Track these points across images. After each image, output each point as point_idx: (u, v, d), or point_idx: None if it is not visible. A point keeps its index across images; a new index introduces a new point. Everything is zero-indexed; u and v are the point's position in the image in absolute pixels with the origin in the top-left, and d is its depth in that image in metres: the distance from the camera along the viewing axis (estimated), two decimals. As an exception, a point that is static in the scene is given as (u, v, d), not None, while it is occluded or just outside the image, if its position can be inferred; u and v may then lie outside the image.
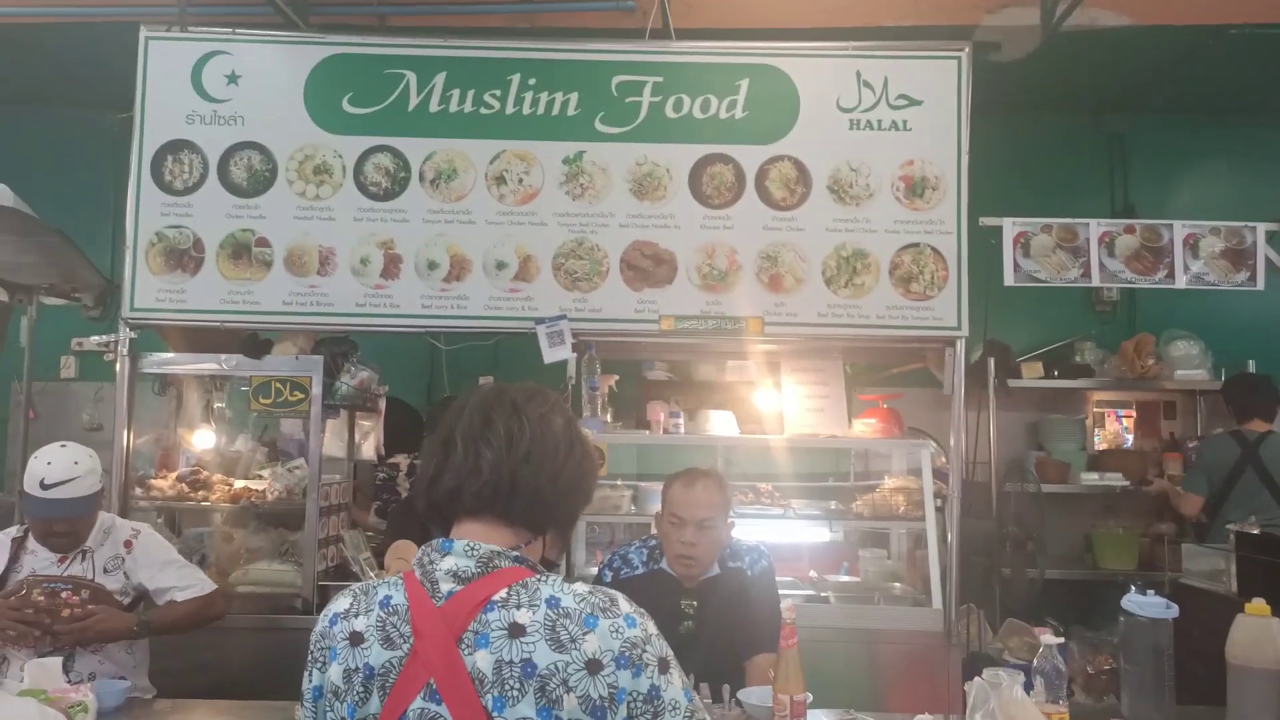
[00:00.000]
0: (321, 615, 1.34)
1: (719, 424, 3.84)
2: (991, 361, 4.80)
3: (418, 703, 1.21)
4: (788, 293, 3.55)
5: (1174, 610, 2.48)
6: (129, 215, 3.61)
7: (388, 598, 1.28)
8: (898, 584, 3.79)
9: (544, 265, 3.59)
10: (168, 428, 3.96)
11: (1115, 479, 5.01)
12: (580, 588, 1.26)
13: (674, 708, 1.22)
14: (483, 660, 1.20)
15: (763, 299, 3.55)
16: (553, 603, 1.23)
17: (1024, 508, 4.34)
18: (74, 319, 5.00)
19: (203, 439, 3.98)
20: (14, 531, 2.93)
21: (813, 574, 3.90)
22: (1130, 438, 5.41)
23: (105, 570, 2.88)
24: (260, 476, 3.79)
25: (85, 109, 5.03)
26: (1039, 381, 5.10)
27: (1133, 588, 2.54)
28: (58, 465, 2.73)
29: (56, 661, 2.43)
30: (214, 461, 3.94)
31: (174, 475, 3.72)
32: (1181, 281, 3.47)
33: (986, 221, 3.60)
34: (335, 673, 1.27)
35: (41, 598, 2.71)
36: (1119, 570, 4.91)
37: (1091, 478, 5.03)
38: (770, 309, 3.54)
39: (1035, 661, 2.28)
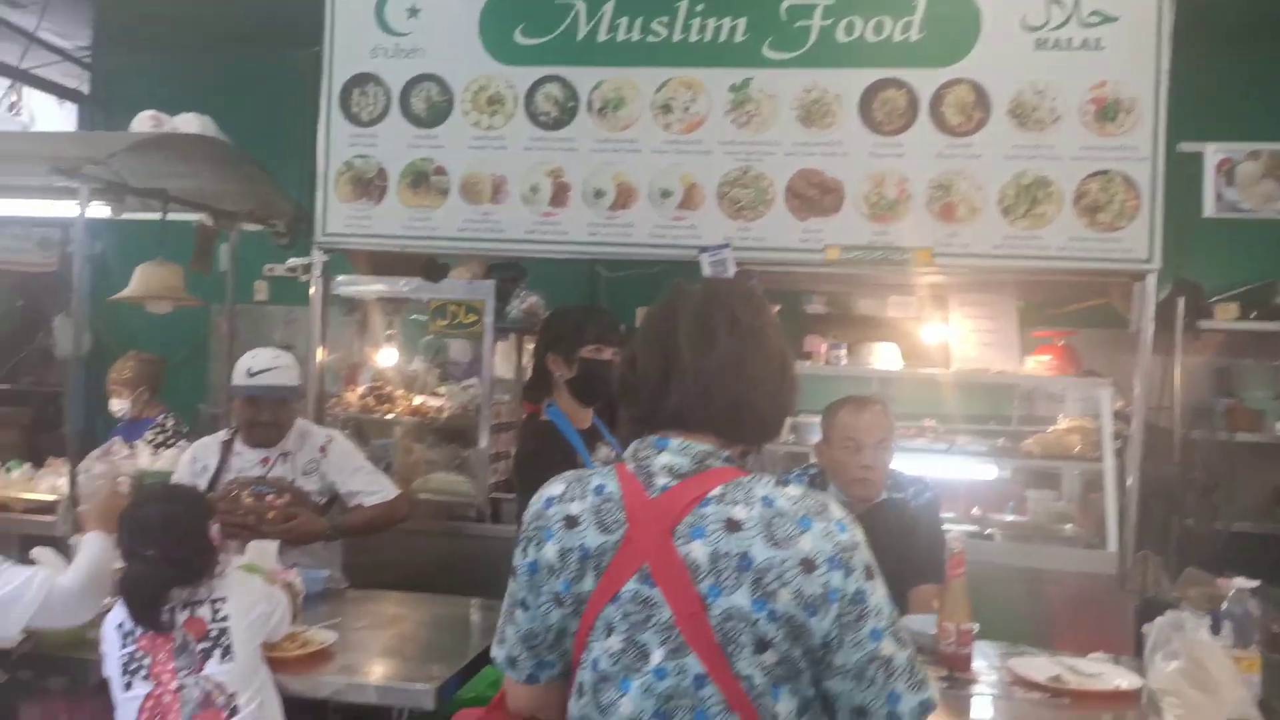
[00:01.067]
0: (535, 498, 1.41)
1: (882, 357, 3.77)
2: (1181, 301, 4.50)
3: (631, 585, 1.27)
4: (960, 223, 3.42)
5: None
6: (320, 146, 3.83)
7: (601, 485, 1.34)
8: (1068, 525, 3.66)
9: (709, 194, 3.59)
10: (353, 347, 4.24)
11: (1317, 431, 4.64)
12: (793, 490, 1.29)
13: (878, 613, 1.25)
14: (698, 551, 1.25)
15: (933, 229, 3.43)
16: (767, 502, 1.27)
17: (1211, 456, 4.10)
18: (265, 247, 5.37)
19: (385, 357, 4.24)
20: (222, 435, 3.24)
21: (976, 512, 3.82)
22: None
23: (304, 473, 3.15)
24: (437, 394, 4.01)
25: (277, 47, 5.31)
26: (1233, 324, 4.72)
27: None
28: (263, 357, 3.04)
29: (273, 545, 2.68)
30: (394, 379, 4.20)
31: (360, 390, 3.99)
32: None
33: (1186, 147, 3.34)
34: (551, 551, 1.34)
35: (250, 499, 2.98)
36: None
37: (1289, 427, 4.67)
38: (941, 240, 3.43)
39: (1225, 605, 2.19)
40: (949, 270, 3.51)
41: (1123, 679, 2.27)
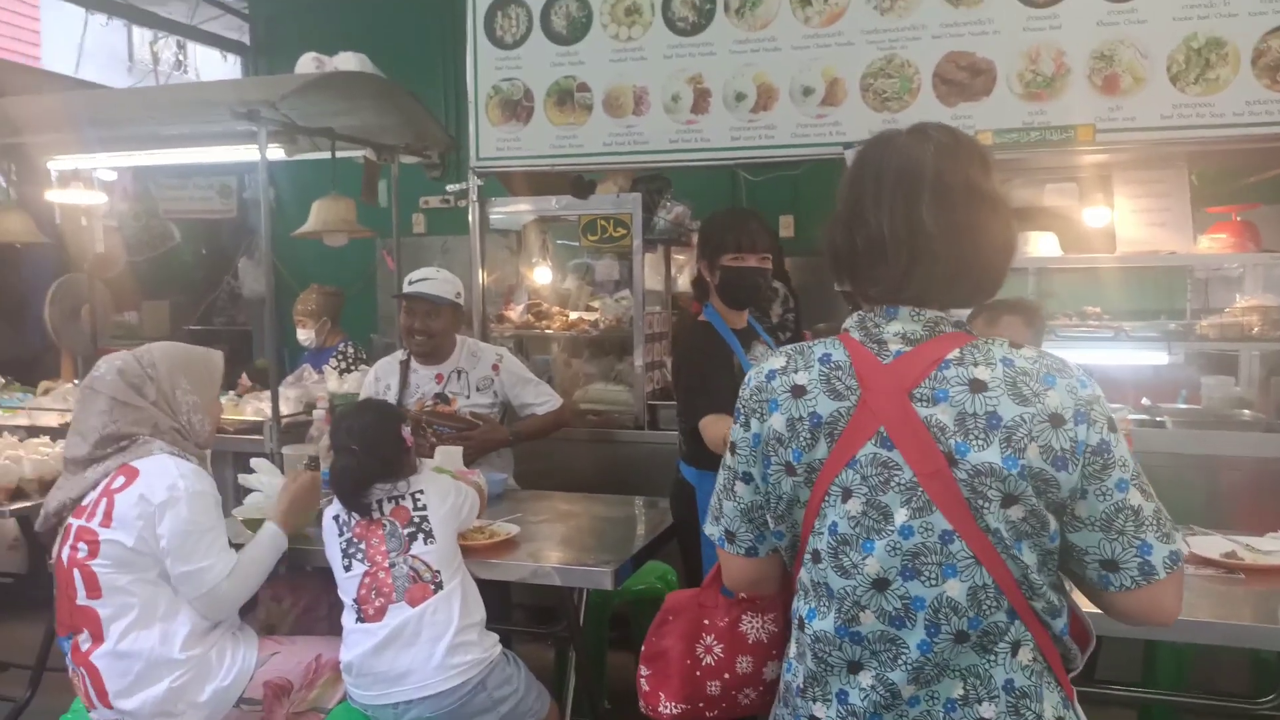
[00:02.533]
0: (754, 373, 1.41)
1: (1040, 246, 3.64)
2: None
3: (868, 448, 1.28)
4: (1125, 94, 3.24)
5: None
6: (469, 71, 3.98)
7: (827, 355, 1.34)
8: (1246, 411, 3.49)
9: (851, 87, 3.53)
10: (509, 268, 4.43)
11: None
12: (1029, 351, 1.29)
13: (1123, 464, 1.24)
14: (943, 412, 1.25)
15: (1095, 104, 3.27)
16: (1008, 362, 1.27)
17: None
18: (418, 180, 5.62)
19: (540, 276, 4.42)
20: (400, 354, 3.49)
21: (1145, 401, 3.68)
22: None
23: (478, 389, 3.36)
24: (591, 308, 4.16)
25: None
26: None
27: None
28: (423, 270, 3.28)
29: (458, 448, 2.92)
30: (549, 297, 4.37)
31: (520, 307, 4.19)
32: None
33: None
34: (778, 421, 1.34)
35: (434, 440, 3.20)
36: None
37: None
38: (1104, 114, 3.27)
39: None
40: (1113, 147, 3.35)
41: (1304, 554, 2.21)
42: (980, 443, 1.23)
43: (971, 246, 1.30)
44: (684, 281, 4.30)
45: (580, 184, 4.03)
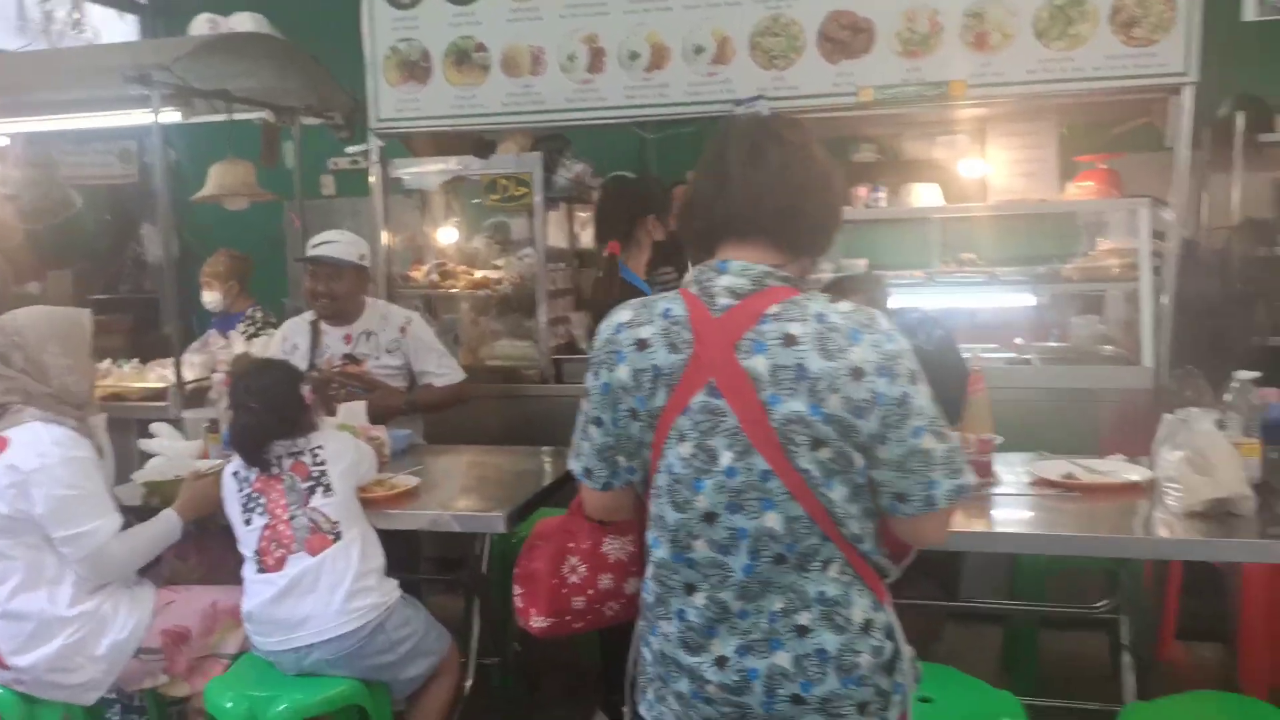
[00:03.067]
0: (604, 325, 1.53)
1: (923, 197, 3.84)
2: (1240, 116, 4.40)
3: (700, 397, 1.41)
4: (994, 50, 3.41)
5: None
6: (364, 33, 3.98)
7: (669, 309, 1.46)
8: (1109, 347, 3.75)
9: (740, 46, 3.64)
10: (416, 228, 4.48)
11: (1385, 239, 4.52)
12: (845, 306, 1.42)
13: (920, 413, 1.38)
14: (760, 364, 1.38)
15: (967, 60, 3.44)
16: (821, 318, 1.38)
17: (1265, 271, 4.09)
18: (327, 141, 5.57)
19: (446, 235, 4.48)
20: (309, 315, 3.53)
21: (1018, 341, 3.92)
22: None
23: (387, 350, 3.42)
24: (496, 266, 4.24)
25: None
26: (1298, 135, 4.59)
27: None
28: (326, 234, 3.31)
29: (361, 405, 2.99)
30: (455, 256, 4.44)
31: (426, 268, 4.25)
32: None
33: (1225, -50, 3.25)
34: (624, 372, 1.47)
35: (341, 393, 3.26)
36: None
37: (1354, 241, 4.56)
38: (975, 70, 3.44)
39: (1227, 396, 2.31)
40: (984, 101, 3.53)
41: (1133, 473, 2.44)
42: (789, 393, 1.37)
43: (781, 184, 1.44)
44: (586, 237, 4.40)
45: (481, 144, 4.09)
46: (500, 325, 4.22)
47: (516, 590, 1.77)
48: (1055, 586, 3.08)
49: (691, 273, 1.51)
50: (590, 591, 1.70)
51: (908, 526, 1.46)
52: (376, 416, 3.13)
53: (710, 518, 1.43)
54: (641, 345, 1.46)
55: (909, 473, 1.40)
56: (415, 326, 3.46)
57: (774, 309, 1.40)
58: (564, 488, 2.95)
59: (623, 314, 1.52)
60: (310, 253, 3.29)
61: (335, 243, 3.30)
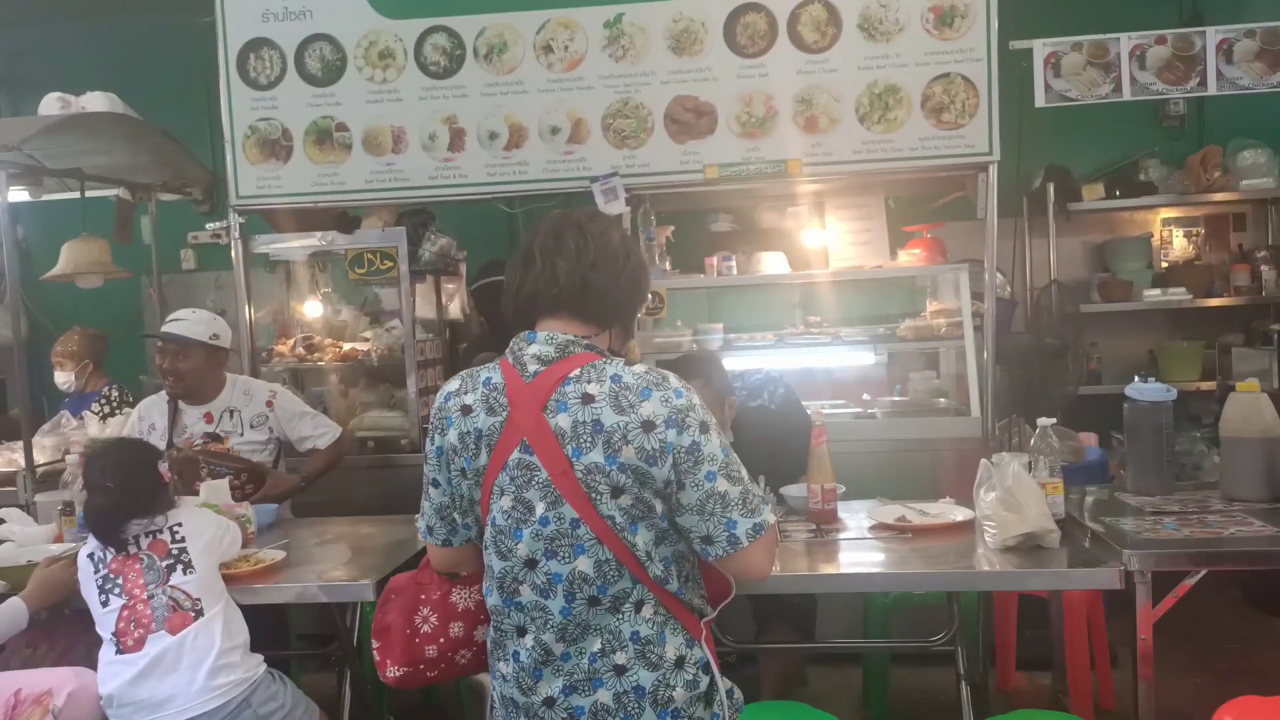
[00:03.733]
0: (439, 395, 1.69)
1: (770, 264, 4.11)
2: (1051, 186, 4.89)
3: (515, 454, 1.57)
4: (823, 133, 3.74)
5: (1173, 394, 2.74)
6: (224, 112, 4.02)
7: (489, 379, 1.63)
8: (943, 399, 4.08)
9: (594, 126, 3.86)
10: (282, 302, 4.47)
11: (1179, 294, 5.07)
12: (639, 368, 1.59)
13: (711, 459, 1.54)
14: (563, 421, 1.54)
15: (800, 141, 3.75)
16: (615, 379, 1.56)
17: (1077, 325, 4.54)
18: (187, 215, 5.50)
19: (312, 309, 4.49)
20: (166, 393, 3.49)
21: (865, 396, 4.22)
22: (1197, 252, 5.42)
23: (252, 426, 3.43)
24: (365, 338, 4.28)
25: (173, 14, 5.31)
26: (1100, 203, 5.10)
27: (1135, 378, 2.79)
28: (179, 311, 3.33)
29: (224, 482, 2.98)
30: (323, 329, 4.45)
31: (292, 341, 4.25)
32: (1213, 88, 3.51)
33: (1017, 44, 3.66)
34: (453, 436, 1.63)
35: (208, 478, 3.21)
36: (1181, 382, 5.02)
37: (1154, 294, 5.09)
38: (808, 150, 3.75)
39: (1032, 442, 2.59)
40: (817, 178, 3.84)
41: (959, 514, 2.69)
42: (589, 445, 1.53)
43: (576, 262, 1.62)
44: (454, 309, 4.49)
45: (344, 219, 4.15)
46: (370, 396, 4.24)
47: (375, 645, 1.85)
48: (901, 624, 3.31)
49: (511, 343, 1.68)
50: (442, 640, 1.80)
51: (726, 566, 1.62)
52: (268, 499, 3.16)
53: (531, 564, 1.58)
54: (466, 411, 1.62)
55: (709, 515, 1.56)
56: (281, 398, 3.49)
57: (575, 373, 1.57)
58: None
59: (452, 384, 1.69)
60: (162, 329, 3.28)
61: (183, 320, 3.30)
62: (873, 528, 2.69)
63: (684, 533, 1.59)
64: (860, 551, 2.58)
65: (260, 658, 2.42)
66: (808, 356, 3.91)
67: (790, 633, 3.07)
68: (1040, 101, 3.64)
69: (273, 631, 3.14)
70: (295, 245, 4.18)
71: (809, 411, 2.83)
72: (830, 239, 4.16)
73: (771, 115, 3.76)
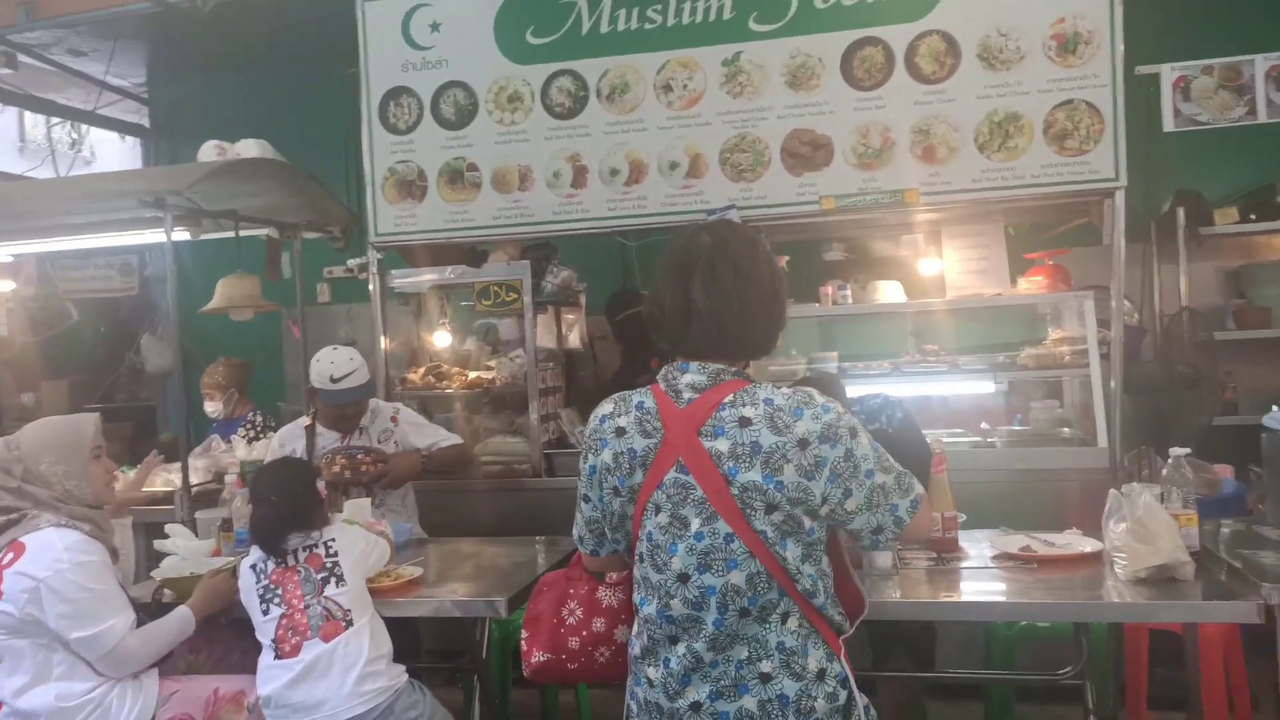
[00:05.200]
0: (592, 417, 1.83)
1: (886, 293, 4.12)
2: (1181, 211, 4.75)
3: (671, 474, 1.68)
4: (941, 163, 3.75)
5: (1316, 423, 2.64)
6: (365, 156, 4.30)
7: (642, 402, 1.75)
8: (1067, 429, 3.99)
9: (711, 161, 3.97)
10: (411, 333, 4.72)
11: (1321, 322, 4.83)
12: (785, 389, 1.71)
13: (865, 458, 1.68)
14: (721, 444, 1.65)
15: (917, 171, 3.77)
16: (768, 401, 1.67)
17: (1211, 354, 4.37)
18: (324, 252, 5.85)
19: (440, 339, 4.72)
20: (304, 421, 3.73)
21: (984, 425, 4.16)
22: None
23: (379, 441, 3.63)
24: (489, 367, 4.48)
25: (320, 66, 5.63)
26: (1235, 226, 4.91)
27: (1275, 408, 2.70)
28: (339, 363, 3.46)
29: (367, 501, 3.17)
30: (449, 358, 4.67)
31: (421, 370, 4.48)
32: (1356, 107, 3.39)
33: (1143, 70, 3.62)
34: (606, 455, 1.76)
35: (344, 460, 3.48)
36: (1325, 414, 4.77)
37: (1293, 322, 4.87)
38: (925, 179, 3.77)
39: (1164, 472, 2.53)
40: (936, 206, 3.85)
41: (1087, 545, 2.64)
42: (746, 464, 1.64)
43: (736, 318, 1.72)
44: (573, 338, 4.65)
45: (473, 254, 4.37)
46: (493, 423, 4.43)
47: (524, 634, 1.98)
48: (1025, 657, 3.24)
49: (660, 372, 1.79)
50: (584, 633, 1.91)
51: (893, 543, 1.77)
52: (392, 483, 3.37)
53: (684, 578, 1.68)
54: (620, 433, 1.75)
55: (876, 508, 1.70)
56: (404, 414, 3.71)
57: (729, 398, 1.69)
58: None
59: (605, 407, 1.82)
60: (336, 388, 3.43)
61: (355, 372, 3.46)
62: (995, 557, 2.67)
63: (853, 533, 1.73)
64: (983, 580, 2.57)
65: (403, 668, 2.57)
66: (924, 385, 3.90)
67: (909, 663, 3.06)
68: (1169, 126, 3.57)
69: (405, 644, 3.30)
70: (427, 279, 4.41)
71: (928, 439, 2.83)
72: (948, 267, 4.14)
73: (888, 146, 3.80)
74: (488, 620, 3.01)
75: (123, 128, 7.50)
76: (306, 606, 2.48)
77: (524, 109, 4.16)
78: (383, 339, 4.38)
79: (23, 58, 6.01)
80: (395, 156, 4.27)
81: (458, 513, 3.98)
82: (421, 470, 3.61)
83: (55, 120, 8.00)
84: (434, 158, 4.24)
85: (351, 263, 4.55)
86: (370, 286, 4.38)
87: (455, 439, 3.72)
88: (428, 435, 3.67)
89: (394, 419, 3.66)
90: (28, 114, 9.92)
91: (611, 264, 5.25)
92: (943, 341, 4.17)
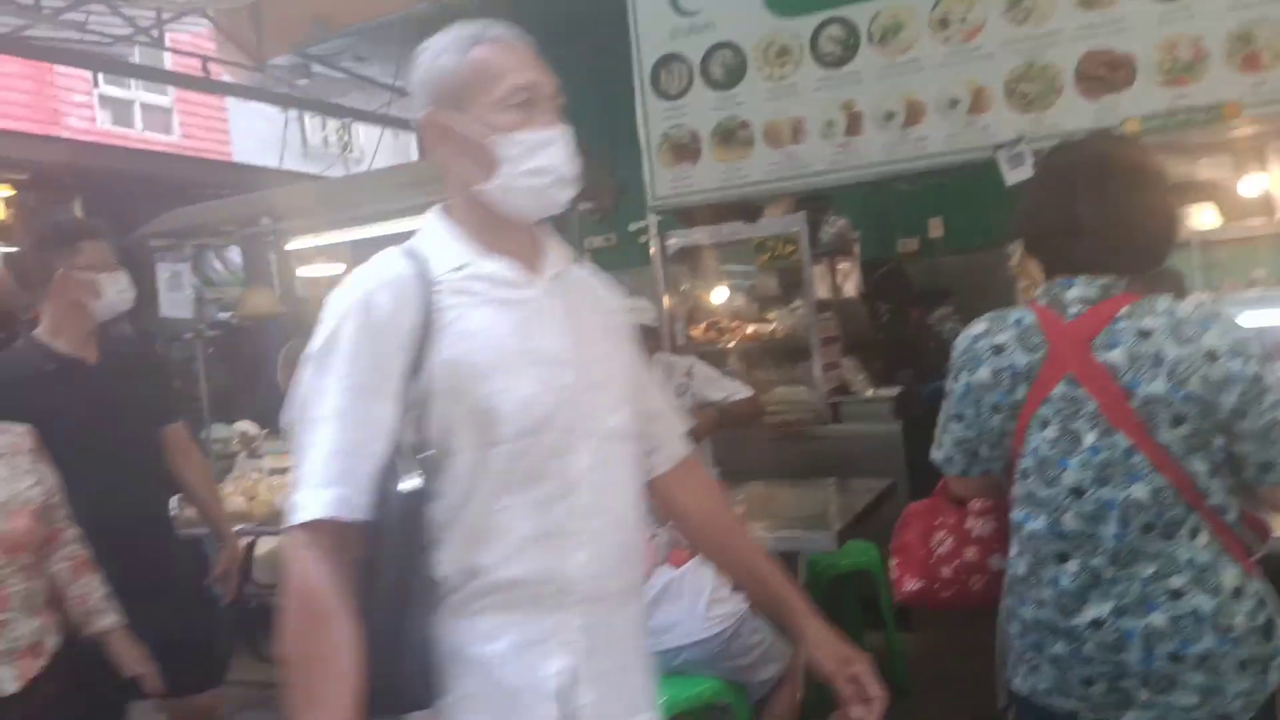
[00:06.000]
0: (961, 337, 1.79)
1: (1199, 218, 3.83)
2: None
3: (1060, 388, 1.63)
4: (1266, 69, 3.43)
5: None
6: (640, 123, 4.48)
7: (1019, 319, 1.70)
8: None
9: (996, 94, 3.83)
10: (689, 290, 4.89)
11: None
12: (1190, 303, 1.65)
13: (1274, 389, 1.54)
14: (1117, 356, 1.59)
15: (1237, 82, 3.46)
16: (1170, 313, 1.59)
17: None
18: (583, 223, 6.14)
19: (718, 295, 4.87)
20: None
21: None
22: None
23: (676, 395, 3.81)
24: (767, 319, 4.57)
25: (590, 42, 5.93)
26: None
27: None
28: (628, 301, 3.67)
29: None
30: (727, 313, 4.81)
31: (704, 325, 4.64)
32: None
33: None
34: (984, 373, 1.71)
35: None
36: None
37: None
38: (1247, 90, 3.46)
39: None
40: (1262, 120, 3.52)
41: None
42: (1148, 377, 1.58)
43: (1129, 235, 1.66)
44: (849, 288, 4.66)
45: (748, 210, 4.46)
46: (774, 374, 4.52)
47: (893, 561, 2.01)
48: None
49: (1040, 288, 1.76)
50: (956, 562, 1.92)
51: (1273, 494, 1.62)
52: (698, 436, 3.52)
53: (1078, 492, 1.64)
54: (998, 349, 1.72)
55: (1272, 443, 1.57)
56: (699, 367, 3.85)
57: (1125, 310, 1.62)
58: (873, 515, 3.18)
59: (978, 326, 1.79)
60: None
61: (637, 310, 3.70)
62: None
63: (1237, 459, 1.60)
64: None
65: (742, 595, 2.71)
66: (1256, 315, 3.58)
67: None
68: None
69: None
70: (704, 238, 4.55)
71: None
72: (1277, 186, 3.79)
73: (1201, 59, 3.51)
74: (806, 558, 3.11)
75: (393, 123, 8.20)
76: (653, 536, 2.67)
77: (793, 61, 4.18)
78: (665, 298, 4.57)
79: (316, 67, 6.72)
80: (669, 121, 4.43)
81: (747, 462, 4.10)
82: (717, 424, 3.76)
83: (344, 121, 8.80)
84: (706, 119, 4.36)
85: (632, 226, 4.76)
86: (651, 249, 4.57)
87: (748, 391, 3.82)
88: (722, 388, 3.81)
89: (688, 373, 3.83)
90: (306, 121, 11.05)
91: (881, 212, 5.19)
92: (1271, 268, 3.83)
